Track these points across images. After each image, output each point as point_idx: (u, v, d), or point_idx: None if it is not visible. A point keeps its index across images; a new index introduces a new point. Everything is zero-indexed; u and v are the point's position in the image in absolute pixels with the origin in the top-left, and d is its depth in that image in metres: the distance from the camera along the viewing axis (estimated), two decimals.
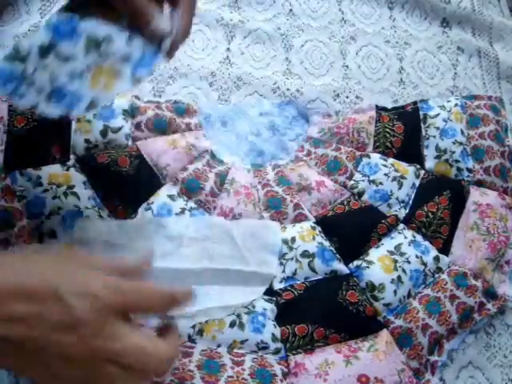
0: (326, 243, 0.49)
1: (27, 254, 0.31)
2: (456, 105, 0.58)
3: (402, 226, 0.52)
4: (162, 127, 0.52)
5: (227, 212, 0.49)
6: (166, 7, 0.39)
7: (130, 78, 0.37)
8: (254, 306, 0.45)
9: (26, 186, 0.46)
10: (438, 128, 0.56)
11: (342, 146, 0.55)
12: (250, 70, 0.60)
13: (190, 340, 0.43)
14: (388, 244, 0.50)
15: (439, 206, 0.52)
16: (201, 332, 0.43)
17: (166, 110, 0.54)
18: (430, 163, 0.55)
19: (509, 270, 0.52)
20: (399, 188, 0.53)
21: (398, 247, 0.50)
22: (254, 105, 0.58)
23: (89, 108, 0.36)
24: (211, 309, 0.44)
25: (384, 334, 0.46)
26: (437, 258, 0.50)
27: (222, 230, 0.48)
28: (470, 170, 0.55)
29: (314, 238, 0.49)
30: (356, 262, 0.49)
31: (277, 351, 0.44)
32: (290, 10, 0.66)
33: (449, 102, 0.59)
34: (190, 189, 0.50)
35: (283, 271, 0.47)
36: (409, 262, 0.49)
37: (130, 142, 0.51)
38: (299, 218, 0.51)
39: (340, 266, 0.48)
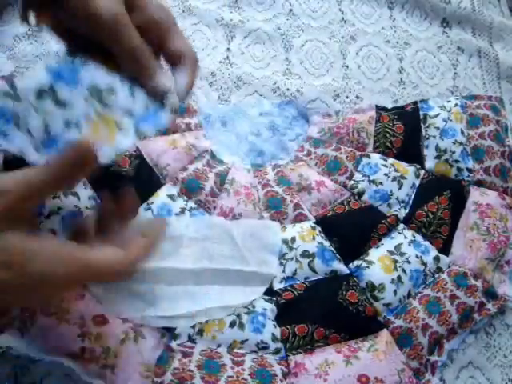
0: (326, 243, 0.49)
1: None
2: (456, 105, 0.58)
3: (402, 226, 0.52)
4: None
5: (227, 212, 0.49)
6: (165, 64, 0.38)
7: (134, 132, 0.35)
8: (254, 306, 0.45)
9: None
10: (438, 128, 0.56)
11: (342, 146, 0.55)
12: (250, 70, 0.60)
13: (190, 340, 0.43)
14: (388, 244, 0.50)
15: (439, 205, 0.52)
16: (201, 332, 0.43)
17: None
18: (429, 163, 0.55)
19: (509, 269, 0.52)
20: (399, 188, 0.53)
21: (398, 247, 0.50)
22: (254, 105, 0.58)
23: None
24: (211, 309, 0.44)
25: (384, 334, 0.46)
26: (437, 258, 0.50)
27: (222, 230, 0.48)
28: (470, 170, 0.55)
29: (314, 238, 0.49)
30: (356, 262, 0.49)
31: (277, 351, 0.44)
32: (290, 10, 0.66)
33: (449, 102, 0.59)
34: (189, 189, 0.50)
35: (283, 271, 0.47)
36: (409, 262, 0.49)
37: None
38: (299, 218, 0.51)
39: (340, 266, 0.48)
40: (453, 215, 0.53)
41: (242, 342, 0.43)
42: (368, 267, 0.48)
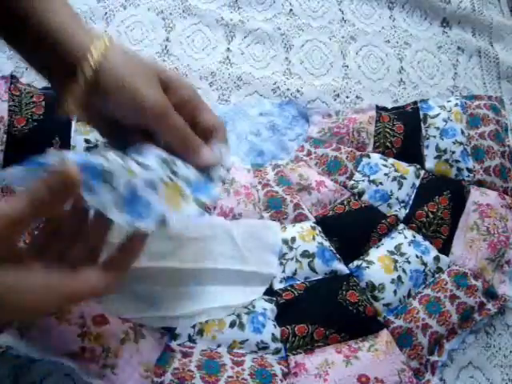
0: (326, 243, 0.49)
1: None
2: (456, 105, 0.58)
3: (402, 225, 0.52)
4: None
5: (227, 212, 0.49)
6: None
7: (193, 200, 0.37)
8: (254, 306, 0.45)
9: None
10: (438, 128, 0.56)
11: (342, 146, 0.55)
12: (250, 70, 0.60)
13: (190, 340, 0.43)
14: (388, 244, 0.50)
15: (439, 205, 0.52)
16: (201, 332, 0.43)
17: None
18: (430, 163, 0.55)
19: (509, 269, 0.52)
20: (399, 188, 0.53)
21: (398, 247, 0.50)
22: (254, 105, 0.58)
23: (159, 223, 0.34)
24: (211, 309, 0.44)
25: (384, 334, 0.46)
26: (437, 258, 0.50)
27: (222, 229, 0.48)
28: (470, 170, 0.55)
29: (314, 238, 0.49)
30: (356, 262, 0.49)
31: (277, 351, 0.44)
32: (290, 10, 0.66)
33: (449, 101, 0.59)
34: None
35: (283, 271, 0.47)
36: (409, 262, 0.49)
37: None
38: (299, 218, 0.51)
39: (340, 266, 0.48)
40: (453, 215, 0.53)
41: (242, 342, 0.43)
42: (368, 267, 0.48)
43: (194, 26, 0.62)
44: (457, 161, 0.55)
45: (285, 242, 0.48)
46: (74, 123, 0.49)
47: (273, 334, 0.44)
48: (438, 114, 0.57)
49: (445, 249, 0.51)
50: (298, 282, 0.47)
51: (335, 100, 0.60)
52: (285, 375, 0.42)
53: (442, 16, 0.69)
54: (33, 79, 0.52)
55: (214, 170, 0.40)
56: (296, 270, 0.47)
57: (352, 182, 0.53)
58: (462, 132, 0.56)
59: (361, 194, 0.53)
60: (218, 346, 0.43)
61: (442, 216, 0.52)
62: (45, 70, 0.37)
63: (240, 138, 0.55)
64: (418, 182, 0.54)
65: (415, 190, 0.54)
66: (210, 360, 0.42)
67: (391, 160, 0.55)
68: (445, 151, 0.55)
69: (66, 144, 0.49)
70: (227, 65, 0.60)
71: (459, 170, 0.55)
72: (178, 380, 0.40)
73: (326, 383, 0.42)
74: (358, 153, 0.55)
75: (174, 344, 0.42)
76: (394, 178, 0.53)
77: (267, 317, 0.45)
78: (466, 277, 0.49)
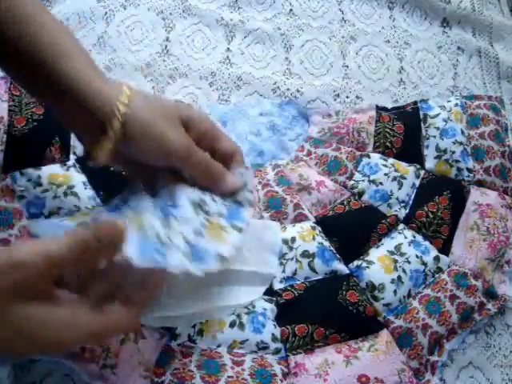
0: (326, 243, 0.49)
1: None
2: (456, 105, 0.58)
3: (402, 225, 0.52)
4: None
5: None
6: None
7: (231, 228, 0.40)
8: (254, 306, 0.45)
9: (26, 186, 0.46)
10: (438, 128, 0.56)
11: (342, 146, 0.55)
12: (250, 70, 0.60)
13: (190, 340, 0.43)
14: (388, 244, 0.50)
15: (439, 205, 0.52)
16: (201, 332, 0.43)
17: None
18: (430, 163, 0.55)
19: (509, 269, 0.52)
20: (399, 188, 0.53)
21: (398, 247, 0.50)
22: (254, 105, 0.58)
23: (221, 260, 0.38)
24: (211, 309, 0.44)
25: (384, 334, 0.46)
26: (437, 258, 0.50)
27: None
28: (470, 170, 0.55)
29: (314, 238, 0.49)
30: (356, 262, 0.49)
31: (277, 351, 0.44)
32: (290, 10, 0.66)
33: (449, 101, 0.59)
34: None
35: (283, 271, 0.47)
36: (409, 262, 0.49)
37: None
38: (299, 218, 0.51)
39: (340, 266, 0.48)
40: (453, 215, 0.53)
41: (242, 342, 0.43)
42: (368, 267, 0.48)
43: (194, 26, 0.62)
44: (457, 161, 0.55)
45: (285, 242, 0.48)
46: None
47: (273, 334, 0.44)
48: (437, 114, 0.57)
49: (445, 249, 0.51)
50: (298, 282, 0.47)
51: (335, 100, 0.60)
52: (285, 375, 0.42)
53: (441, 16, 0.69)
54: None
55: (240, 193, 0.42)
56: (296, 270, 0.47)
57: (352, 182, 0.53)
58: (462, 132, 0.56)
59: (361, 193, 0.53)
60: (218, 346, 0.43)
61: (442, 216, 0.52)
62: (64, 117, 0.38)
63: (240, 138, 0.55)
64: (417, 182, 0.54)
65: (415, 190, 0.54)
66: (210, 360, 0.42)
67: (391, 160, 0.55)
68: (445, 151, 0.55)
69: (65, 144, 0.49)
70: (227, 65, 0.60)
71: (459, 170, 0.55)
72: (177, 380, 0.40)
73: (326, 383, 0.42)
74: (358, 153, 0.55)
75: (173, 344, 0.42)
76: (394, 178, 0.53)
77: (267, 317, 0.45)
78: (466, 277, 0.49)
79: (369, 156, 0.55)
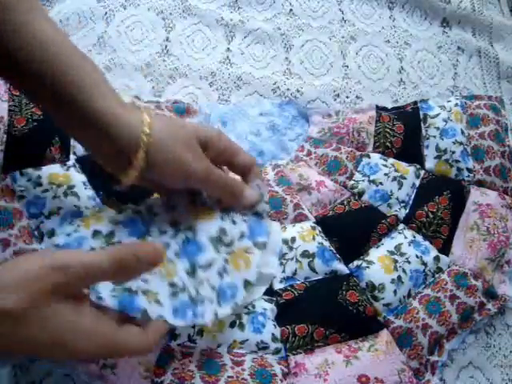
0: (326, 243, 0.49)
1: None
2: (456, 105, 0.58)
3: (402, 225, 0.52)
4: None
5: None
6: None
7: (255, 247, 0.43)
8: (254, 306, 0.45)
9: (26, 186, 0.46)
10: (438, 128, 0.56)
11: (342, 146, 0.55)
12: (250, 70, 0.60)
13: (190, 340, 0.43)
14: (388, 244, 0.50)
15: (439, 205, 0.52)
16: (201, 332, 0.43)
17: (166, 109, 0.54)
18: (430, 163, 0.55)
19: (509, 269, 0.52)
20: (399, 188, 0.53)
21: (398, 247, 0.50)
22: (254, 105, 0.58)
23: (249, 290, 0.42)
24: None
25: (384, 334, 0.46)
26: (437, 258, 0.50)
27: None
28: (470, 170, 0.55)
29: (314, 238, 0.49)
30: (356, 262, 0.49)
31: (277, 351, 0.44)
32: (290, 10, 0.66)
33: (449, 101, 0.59)
34: None
35: (283, 271, 0.47)
36: (409, 262, 0.49)
37: None
38: (299, 218, 0.51)
39: (340, 266, 0.48)
40: (453, 215, 0.53)
41: (242, 342, 0.43)
42: (368, 267, 0.48)
43: (194, 26, 0.62)
44: (457, 161, 0.55)
45: (285, 242, 0.48)
46: None
47: (273, 334, 0.44)
48: (437, 114, 0.57)
49: (445, 249, 0.51)
50: (298, 282, 0.47)
51: (335, 100, 0.60)
52: (285, 375, 0.42)
53: (441, 16, 0.69)
54: None
55: (259, 205, 0.44)
56: (296, 270, 0.47)
57: (352, 182, 0.53)
58: (462, 132, 0.56)
59: (361, 193, 0.53)
60: (218, 346, 0.43)
61: (442, 216, 0.52)
62: (88, 146, 0.40)
63: (240, 138, 0.55)
64: (418, 182, 0.54)
65: (415, 190, 0.54)
66: (210, 360, 0.42)
67: (391, 160, 0.55)
68: (445, 151, 0.55)
69: (65, 144, 0.49)
70: (227, 65, 0.60)
71: (459, 169, 0.55)
72: (178, 380, 0.40)
73: (326, 383, 0.42)
74: (358, 153, 0.55)
75: (173, 344, 0.42)
76: (394, 178, 0.53)
77: (267, 317, 0.45)
78: (466, 277, 0.49)
79: (369, 156, 0.55)
